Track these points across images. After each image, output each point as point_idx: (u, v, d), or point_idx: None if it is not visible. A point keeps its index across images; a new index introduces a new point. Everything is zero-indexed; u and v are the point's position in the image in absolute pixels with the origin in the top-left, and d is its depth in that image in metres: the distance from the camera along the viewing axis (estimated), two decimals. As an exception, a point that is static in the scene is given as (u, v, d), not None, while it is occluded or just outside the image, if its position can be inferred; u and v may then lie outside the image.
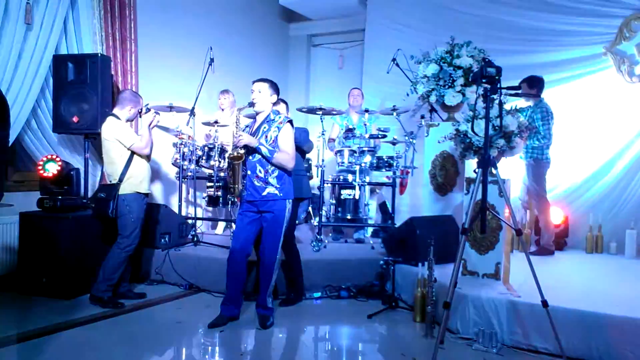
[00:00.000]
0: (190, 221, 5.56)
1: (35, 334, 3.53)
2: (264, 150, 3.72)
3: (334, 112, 5.73)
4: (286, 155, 3.78)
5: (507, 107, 4.09)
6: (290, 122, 3.88)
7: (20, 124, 4.53)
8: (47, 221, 4.41)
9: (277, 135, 3.79)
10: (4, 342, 3.38)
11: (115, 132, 4.16)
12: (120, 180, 4.17)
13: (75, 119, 4.62)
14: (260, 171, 3.77)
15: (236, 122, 3.77)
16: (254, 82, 3.87)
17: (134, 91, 4.95)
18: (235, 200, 3.79)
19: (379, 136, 5.53)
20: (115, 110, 4.28)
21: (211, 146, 5.44)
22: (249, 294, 4.41)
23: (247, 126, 4.00)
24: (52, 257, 4.35)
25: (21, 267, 4.48)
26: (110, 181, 4.22)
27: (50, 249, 4.36)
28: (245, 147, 3.74)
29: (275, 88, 3.89)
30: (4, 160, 2.27)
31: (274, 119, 3.85)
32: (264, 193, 3.77)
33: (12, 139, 4.45)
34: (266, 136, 3.79)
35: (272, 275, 3.85)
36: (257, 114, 3.91)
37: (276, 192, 3.78)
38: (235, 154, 3.69)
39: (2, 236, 4.57)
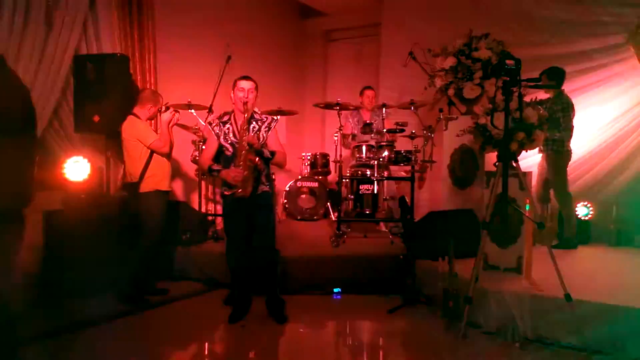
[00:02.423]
0: (210, 218, 5.61)
1: (60, 331, 3.61)
2: (265, 153, 3.75)
3: (351, 107, 5.72)
4: (284, 156, 3.88)
5: (526, 99, 4.04)
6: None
7: (42, 124, 4.60)
8: (70, 220, 4.47)
9: (267, 136, 3.83)
10: (31, 339, 3.44)
11: (135, 132, 4.20)
12: (141, 178, 4.21)
13: (96, 119, 4.67)
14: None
15: (248, 123, 3.74)
16: (244, 79, 3.79)
17: (154, 90, 5.00)
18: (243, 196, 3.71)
19: (397, 130, 5.50)
20: (136, 110, 4.32)
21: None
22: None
23: (223, 122, 3.88)
24: (76, 255, 4.42)
25: (45, 266, 4.56)
26: (132, 180, 4.27)
27: (74, 247, 4.43)
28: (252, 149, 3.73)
29: None
30: (32, 163, 2.32)
31: (261, 119, 3.88)
32: (259, 191, 3.82)
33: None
34: (257, 136, 3.80)
35: (277, 266, 3.96)
36: (232, 113, 3.89)
37: (268, 189, 3.87)
38: (255, 158, 3.65)
39: (27, 235, 4.64)
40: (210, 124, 3.88)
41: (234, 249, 3.88)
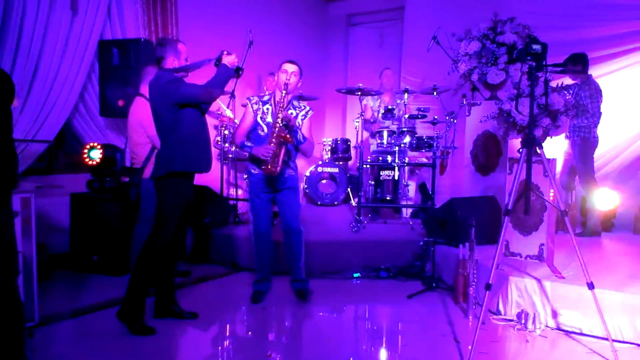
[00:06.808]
0: (231, 202, 5.66)
1: (88, 310, 3.71)
2: (299, 134, 3.81)
3: (373, 92, 5.69)
4: (312, 145, 3.98)
5: (552, 84, 3.97)
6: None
7: (69, 108, 4.68)
8: (96, 202, 4.57)
9: (302, 123, 3.92)
10: (60, 316, 3.55)
11: (140, 116, 4.07)
12: (145, 164, 4.11)
13: (120, 103, 4.72)
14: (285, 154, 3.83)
15: (283, 103, 3.76)
16: (289, 62, 3.84)
17: (154, 65, 4.82)
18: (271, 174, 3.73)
19: (419, 116, 5.46)
20: (143, 89, 4.18)
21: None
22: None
23: (262, 101, 3.89)
24: (102, 236, 4.52)
25: (73, 246, 4.68)
26: (135, 165, 4.20)
27: (100, 228, 4.53)
28: (286, 126, 3.74)
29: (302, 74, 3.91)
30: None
31: (299, 107, 3.95)
32: (285, 174, 3.90)
33: (61, 123, 4.62)
34: (295, 121, 3.87)
35: (302, 247, 4.01)
36: (273, 94, 3.93)
37: (293, 172, 3.98)
38: (288, 135, 3.64)
39: (55, 216, 4.77)
40: (249, 99, 3.91)
41: (258, 233, 3.95)
